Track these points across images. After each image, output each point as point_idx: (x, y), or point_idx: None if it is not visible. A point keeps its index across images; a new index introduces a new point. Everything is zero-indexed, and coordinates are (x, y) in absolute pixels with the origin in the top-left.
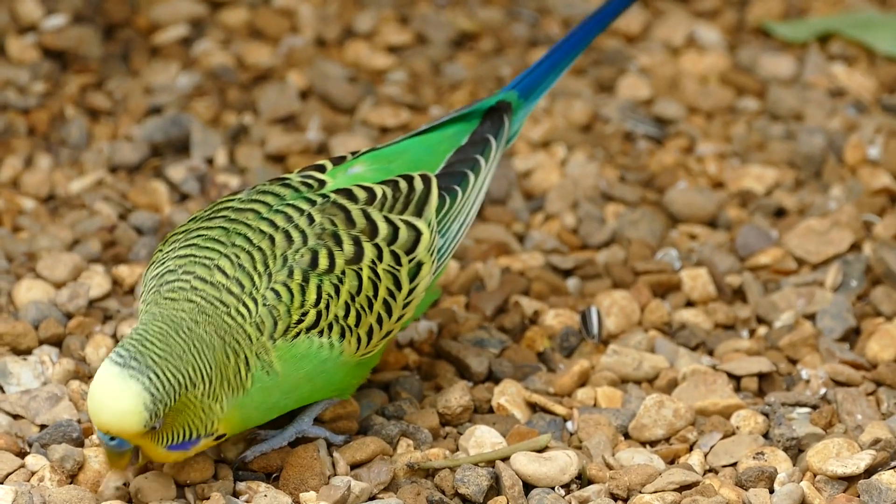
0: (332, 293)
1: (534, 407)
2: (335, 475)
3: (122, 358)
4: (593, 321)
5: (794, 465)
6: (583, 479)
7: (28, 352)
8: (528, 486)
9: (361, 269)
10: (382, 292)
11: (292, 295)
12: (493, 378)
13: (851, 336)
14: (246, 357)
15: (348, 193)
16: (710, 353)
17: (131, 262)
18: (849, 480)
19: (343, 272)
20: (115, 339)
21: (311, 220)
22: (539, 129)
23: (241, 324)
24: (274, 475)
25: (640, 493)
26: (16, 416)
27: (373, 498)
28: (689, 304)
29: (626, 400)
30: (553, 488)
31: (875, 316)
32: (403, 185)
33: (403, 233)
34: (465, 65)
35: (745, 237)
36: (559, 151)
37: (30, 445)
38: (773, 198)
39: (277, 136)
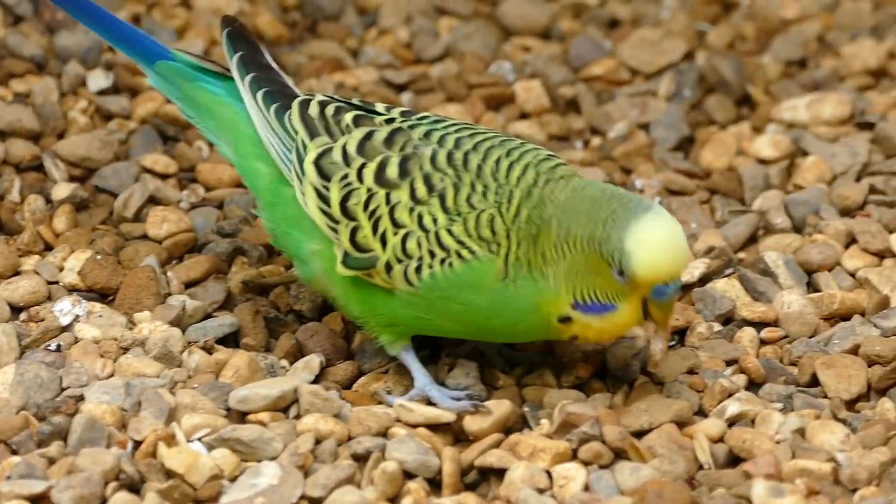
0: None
1: None
2: (170, 294)
3: (655, 207)
4: None
5: None
6: None
7: None
8: None
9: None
10: None
11: None
12: None
13: (685, 145)
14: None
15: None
16: None
17: None
18: (683, 289)
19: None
20: None
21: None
22: None
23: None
24: (110, 297)
25: None
26: None
27: (208, 316)
28: (524, 115)
29: None
30: None
31: (709, 125)
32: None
33: None
34: None
35: (578, 48)
36: None
37: None
38: (607, 8)
39: None
